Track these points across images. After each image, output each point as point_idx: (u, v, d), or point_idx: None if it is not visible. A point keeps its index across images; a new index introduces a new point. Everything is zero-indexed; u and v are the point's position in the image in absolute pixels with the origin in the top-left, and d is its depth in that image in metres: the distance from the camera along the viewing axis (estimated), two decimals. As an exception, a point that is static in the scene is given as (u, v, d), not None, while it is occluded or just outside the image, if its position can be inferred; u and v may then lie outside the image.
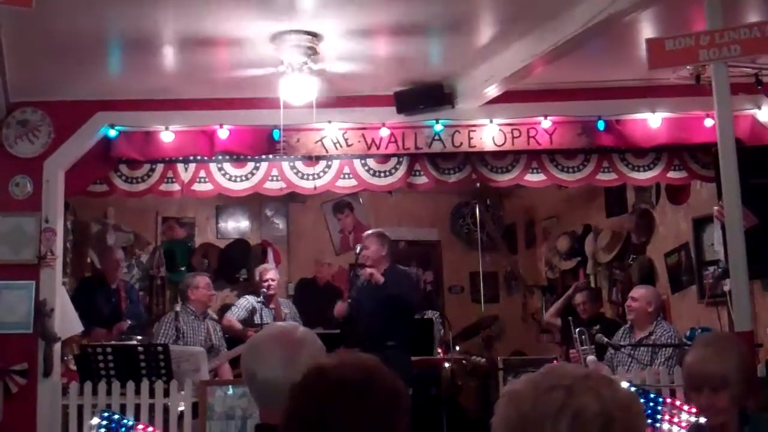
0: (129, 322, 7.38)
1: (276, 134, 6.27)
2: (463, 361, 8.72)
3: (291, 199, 9.52)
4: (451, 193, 10.03)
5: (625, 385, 5.66)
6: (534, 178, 6.84)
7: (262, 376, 2.31)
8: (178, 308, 7.03)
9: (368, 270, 6.56)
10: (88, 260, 8.75)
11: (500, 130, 6.51)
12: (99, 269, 8.34)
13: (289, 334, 2.47)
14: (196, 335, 7.05)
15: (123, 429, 6.00)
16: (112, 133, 6.26)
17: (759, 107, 6.31)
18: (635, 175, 6.87)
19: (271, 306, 7.83)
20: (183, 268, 9.25)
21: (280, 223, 10.26)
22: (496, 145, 6.54)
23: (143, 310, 8.13)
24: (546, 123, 6.50)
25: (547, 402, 1.37)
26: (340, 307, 6.65)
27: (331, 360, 1.81)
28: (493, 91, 6.06)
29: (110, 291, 7.67)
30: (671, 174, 6.87)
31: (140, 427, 5.97)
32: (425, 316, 8.13)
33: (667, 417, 5.89)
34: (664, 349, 6.39)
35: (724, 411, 2.93)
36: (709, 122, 6.26)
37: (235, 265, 9.73)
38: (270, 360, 2.31)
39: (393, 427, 1.75)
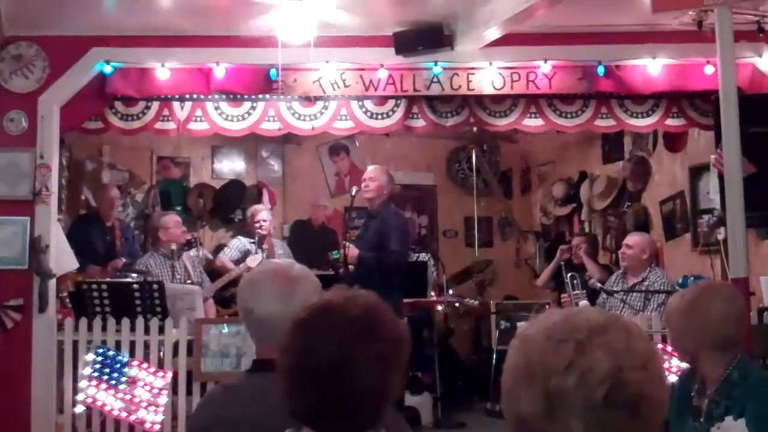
0: (123, 260, 7.40)
1: (273, 74, 6.20)
2: (456, 305, 8.80)
3: (287, 140, 9.49)
4: (448, 138, 10.00)
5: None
6: (532, 122, 6.79)
7: (259, 311, 2.32)
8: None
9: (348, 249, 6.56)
10: (83, 197, 8.74)
11: (499, 73, 6.45)
12: (94, 207, 8.34)
13: (286, 270, 2.47)
14: (164, 275, 7.09)
15: (118, 365, 6.09)
16: (108, 69, 6.18)
17: (760, 55, 6.26)
18: (633, 121, 6.82)
19: (264, 246, 7.86)
20: (178, 208, 9.24)
21: (275, 165, 10.24)
22: (495, 88, 6.48)
23: (138, 249, 8.14)
24: (546, 67, 6.44)
25: (555, 356, 1.32)
26: (353, 252, 6.59)
27: (336, 296, 1.80)
28: (493, 33, 5.98)
29: (105, 229, 7.68)
30: (669, 121, 6.84)
31: (135, 363, 6.08)
32: (418, 259, 8.17)
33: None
34: (656, 295, 6.45)
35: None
36: (709, 69, 6.22)
37: (230, 205, 9.74)
38: (267, 296, 2.32)
39: (397, 364, 1.76)
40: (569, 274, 7.04)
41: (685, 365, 3.33)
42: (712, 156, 5.43)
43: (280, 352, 1.78)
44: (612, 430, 1.31)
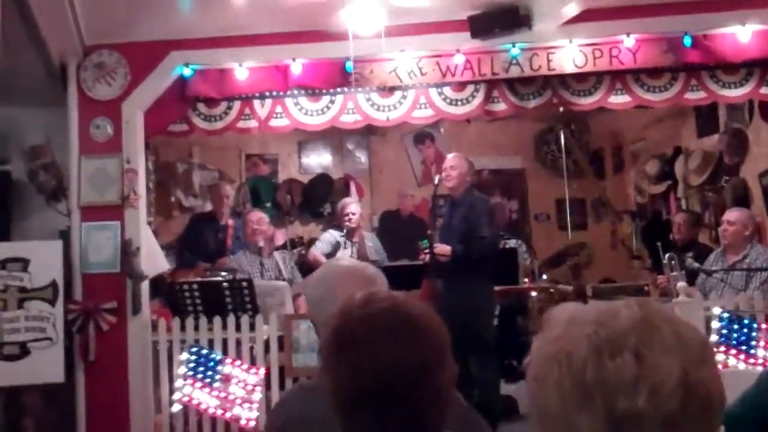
0: (232, 257, 7.50)
1: (348, 67, 6.18)
2: (551, 290, 8.62)
3: (371, 131, 9.48)
4: (534, 119, 9.82)
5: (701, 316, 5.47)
6: (618, 99, 6.57)
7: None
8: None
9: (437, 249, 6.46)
10: (172, 199, 8.92)
11: (581, 50, 6.26)
12: (187, 207, 8.54)
13: (361, 270, 2.47)
14: (254, 272, 7.17)
15: (212, 362, 6.18)
16: (187, 71, 6.27)
17: None
18: (726, 92, 6.51)
19: (355, 239, 7.87)
20: (268, 204, 9.36)
21: (361, 156, 10.25)
22: (576, 66, 6.30)
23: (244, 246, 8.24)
24: (629, 41, 6.21)
25: (615, 372, 1.16)
26: (442, 249, 6.51)
27: (371, 305, 1.72)
28: (572, 9, 5.80)
29: (219, 227, 7.84)
30: (764, 90, 6.49)
31: (228, 360, 6.16)
32: (507, 246, 8.04)
33: (762, 343, 5.74)
34: (759, 273, 6.17)
35: None
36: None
37: (318, 199, 9.81)
38: (345, 296, 2.29)
39: (449, 359, 1.68)
40: (667, 255, 6.80)
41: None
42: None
43: (333, 376, 1.66)
44: None
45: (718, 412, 1.22)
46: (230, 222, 7.87)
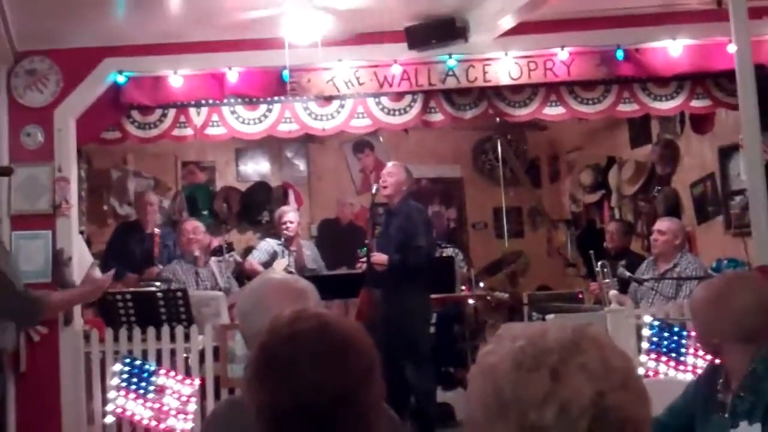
0: (160, 267, 7.39)
1: (285, 76, 6.16)
2: (487, 297, 8.69)
3: (310, 140, 9.45)
4: (473, 129, 9.88)
5: (647, 319, 5.55)
6: (553, 111, 6.68)
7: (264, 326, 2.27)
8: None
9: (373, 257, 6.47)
10: (105, 207, 8.78)
11: (516, 62, 6.35)
12: (121, 215, 8.39)
13: (292, 284, 2.47)
14: (189, 281, 7.09)
15: (146, 373, 6.10)
16: (121, 79, 6.18)
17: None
18: (657, 105, 6.68)
19: (293, 248, 7.82)
20: (205, 213, 9.27)
21: (300, 165, 10.21)
22: (512, 78, 6.38)
23: (179, 255, 8.13)
24: (563, 54, 6.31)
25: (528, 387, 1.20)
26: (379, 258, 6.51)
27: (299, 321, 1.71)
28: (507, 22, 5.88)
29: (145, 236, 7.67)
30: (695, 102, 6.68)
31: (162, 371, 6.08)
32: (444, 254, 8.08)
33: (692, 350, 5.86)
34: (688, 281, 6.30)
35: None
36: (732, 48, 6.04)
37: (256, 207, 9.74)
38: (274, 310, 2.27)
39: (378, 375, 1.68)
40: (599, 263, 6.90)
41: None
42: (741, 136, 5.28)
43: (254, 392, 1.65)
44: None
45: None
46: (156, 231, 7.71)
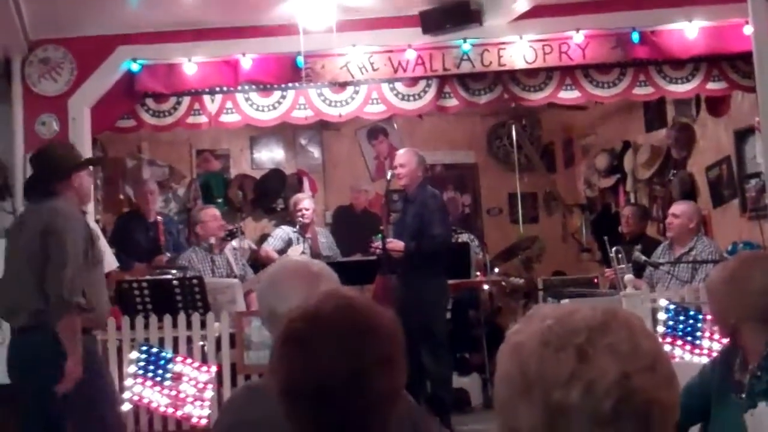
0: (168, 255, 7.40)
1: (299, 62, 6.15)
2: (502, 283, 8.68)
3: (325, 126, 9.43)
4: (487, 114, 9.86)
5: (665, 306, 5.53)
6: (568, 95, 6.66)
7: (282, 310, 2.27)
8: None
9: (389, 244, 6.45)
10: (121, 196, 8.80)
11: (531, 46, 6.32)
12: (135, 204, 8.38)
13: (307, 267, 2.46)
14: (204, 269, 7.09)
15: (162, 361, 6.12)
16: (135, 67, 6.20)
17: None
18: (673, 87, 6.64)
19: (308, 235, 7.83)
20: (220, 200, 9.27)
21: (315, 152, 10.20)
22: (527, 62, 6.36)
23: (184, 243, 8.14)
24: (578, 37, 6.28)
25: (554, 366, 1.19)
26: (395, 245, 6.49)
27: (322, 302, 1.70)
28: (522, 5, 5.87)
29: (148, 225, 7.66)
30: (710, 85, 6.63)
31: (179, 359, 6.10)
32: (460, 240, 8.07)
33: (707, 333, 5.84)
34: (704, 265, 6.27)
35: None
36: (748, 30, 5.99)
37: (271, 195, 9.73)
38: (291, 294, 2.28)
39: (400, 359, 1.67)
40: (614, 248, 6.88)
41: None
42: (757, 119, 5.25)
43: (275, 371, 1.65)
44: None
45: (661, 423, 1.23)
46: (159, 219, 7.68)
